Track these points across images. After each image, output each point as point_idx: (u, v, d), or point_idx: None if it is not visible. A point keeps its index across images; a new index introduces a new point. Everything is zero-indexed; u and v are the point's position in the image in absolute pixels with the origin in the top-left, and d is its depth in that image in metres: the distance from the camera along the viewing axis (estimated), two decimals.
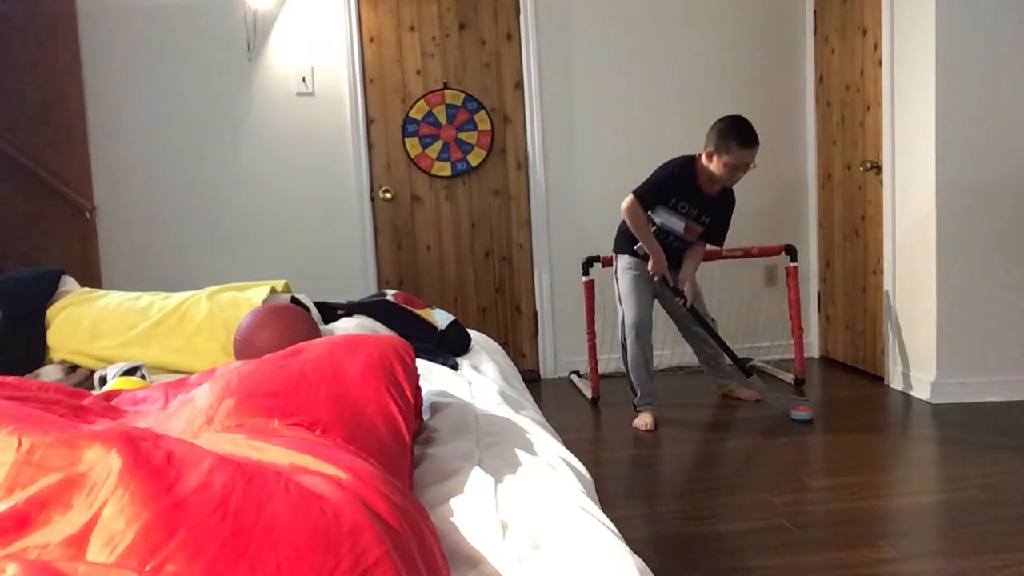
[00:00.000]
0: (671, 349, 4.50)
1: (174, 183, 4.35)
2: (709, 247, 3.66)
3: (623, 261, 3.60)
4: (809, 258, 4.68)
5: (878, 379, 4.10)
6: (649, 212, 3.46)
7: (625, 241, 3.59)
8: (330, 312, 2.42)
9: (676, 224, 3.46)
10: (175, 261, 4.34)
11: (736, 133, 3.27)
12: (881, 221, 3.99)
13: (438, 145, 4.48)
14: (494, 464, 1.31)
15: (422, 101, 4.45)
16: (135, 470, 0.83)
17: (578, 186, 4.54)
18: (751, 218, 4.50)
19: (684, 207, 3.43)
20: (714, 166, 3.33)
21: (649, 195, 3.41)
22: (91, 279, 4.18)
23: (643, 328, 3.53)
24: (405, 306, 2.47)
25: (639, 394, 3.58)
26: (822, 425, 3.44)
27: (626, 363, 3.60)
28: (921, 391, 3.75)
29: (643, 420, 3.51)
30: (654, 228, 3.48)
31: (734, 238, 4.40)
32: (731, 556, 2.26)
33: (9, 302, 2.25)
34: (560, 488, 1.22)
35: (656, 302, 3.66)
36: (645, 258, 3.51)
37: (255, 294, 2.32)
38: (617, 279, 3.65)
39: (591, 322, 4.05)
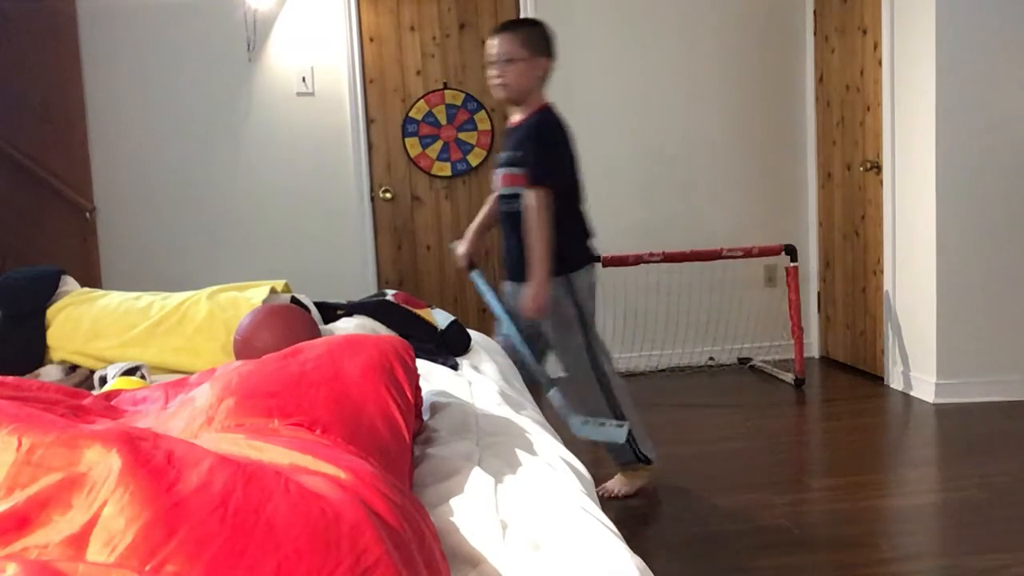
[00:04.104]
0: (671, 349, 4.50)
1: (174, 183, 4.34)
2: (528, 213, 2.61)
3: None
4: (809, 258, 4.67)
5: (878, 379, 4.09)
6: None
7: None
8: (330, 312, 2.42)
9: (495, 182, 2.77)
10: (175, 261, 4.33)
11: None
12: (881, 221, 3.99)
13: (438, 145, 4.48)
14: (494, 464, 1.31)
15: (422, 101, 4.45)
16: (135, 470, 0.83)
17: None
18: (751, 218, 4.51)
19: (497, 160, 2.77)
20: None
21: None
22: (91, 279, 4.17)
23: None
24: (405, 306, 2.46)
25: (636, 438, 2.70)
26: (823, 425, 3.45)
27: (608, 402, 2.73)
28: (921, 391, 3.75)
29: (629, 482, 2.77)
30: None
31: (734, 238, 4.42)
32: (731, 556, 2.26)
33: (9, 302, 2.25)
34: (560, 488, 1.22)
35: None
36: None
37: (255, 294, 2.32)
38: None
39: None
